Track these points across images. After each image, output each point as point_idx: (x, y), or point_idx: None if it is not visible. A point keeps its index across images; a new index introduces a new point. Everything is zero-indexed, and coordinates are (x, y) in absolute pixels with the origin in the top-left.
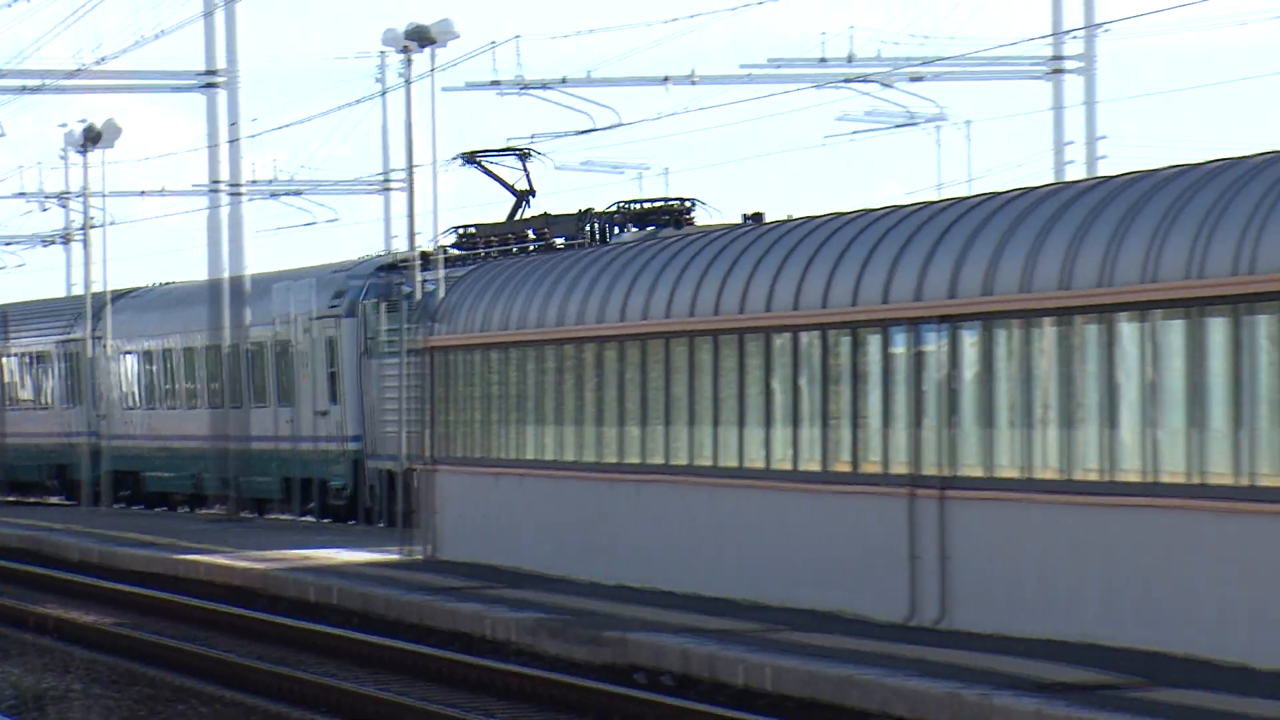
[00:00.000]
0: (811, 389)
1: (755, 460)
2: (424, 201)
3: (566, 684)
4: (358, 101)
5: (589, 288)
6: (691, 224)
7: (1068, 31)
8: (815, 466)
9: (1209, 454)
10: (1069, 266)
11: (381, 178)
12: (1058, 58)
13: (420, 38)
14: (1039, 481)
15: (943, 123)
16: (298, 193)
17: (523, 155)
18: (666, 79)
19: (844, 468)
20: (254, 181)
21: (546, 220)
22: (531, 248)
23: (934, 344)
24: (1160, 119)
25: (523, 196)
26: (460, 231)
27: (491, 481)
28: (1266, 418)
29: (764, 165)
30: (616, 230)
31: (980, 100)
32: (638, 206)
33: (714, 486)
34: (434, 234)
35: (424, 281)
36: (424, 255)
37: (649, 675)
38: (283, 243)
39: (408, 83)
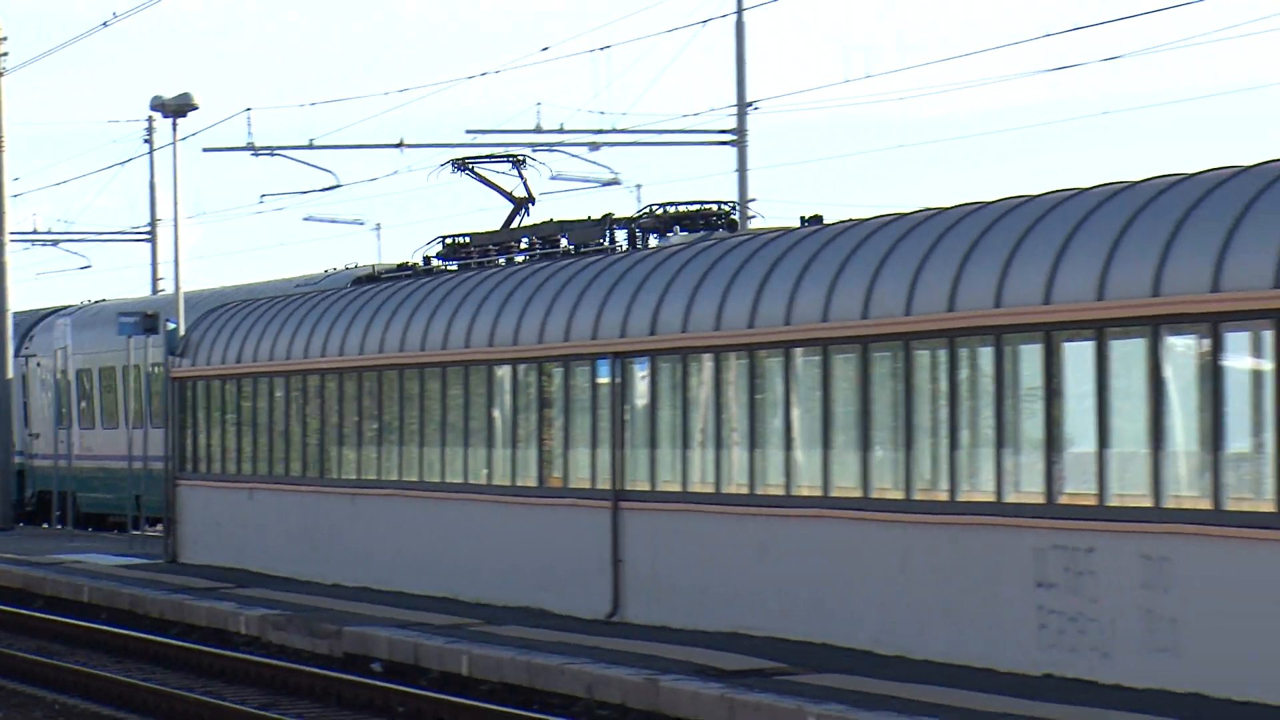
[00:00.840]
0: (523, 414)
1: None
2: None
3: (287, 669)
4: (124, 162)
5: (313, 326)
6: (734, 227)
7: (726, 106)
8: (506, 482)
9: (833, 472)
10: (720, 310)
11: (147, 226)
12: (739, 129)
13: (165, 108)
14: (708, 495)
15: (617, 185)
16: (54, 242)
17: (518, 161)
18: (401, 143)
19: (530, 483)
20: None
21: (560, 227)
22: (521, 257)
23: (608, 375)
24: (810, 183)
25: (521, 204)
26: (448, 241)
27: (223, 494)
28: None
29: (466, 221)
30: (643, 236)
31: (659, 164)
32: (671, 210)
33: (431, 500)
34: (175, 278)
35: (166, 320)
36: (406, 265)
37: (361, 662)
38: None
39: (151, 150)
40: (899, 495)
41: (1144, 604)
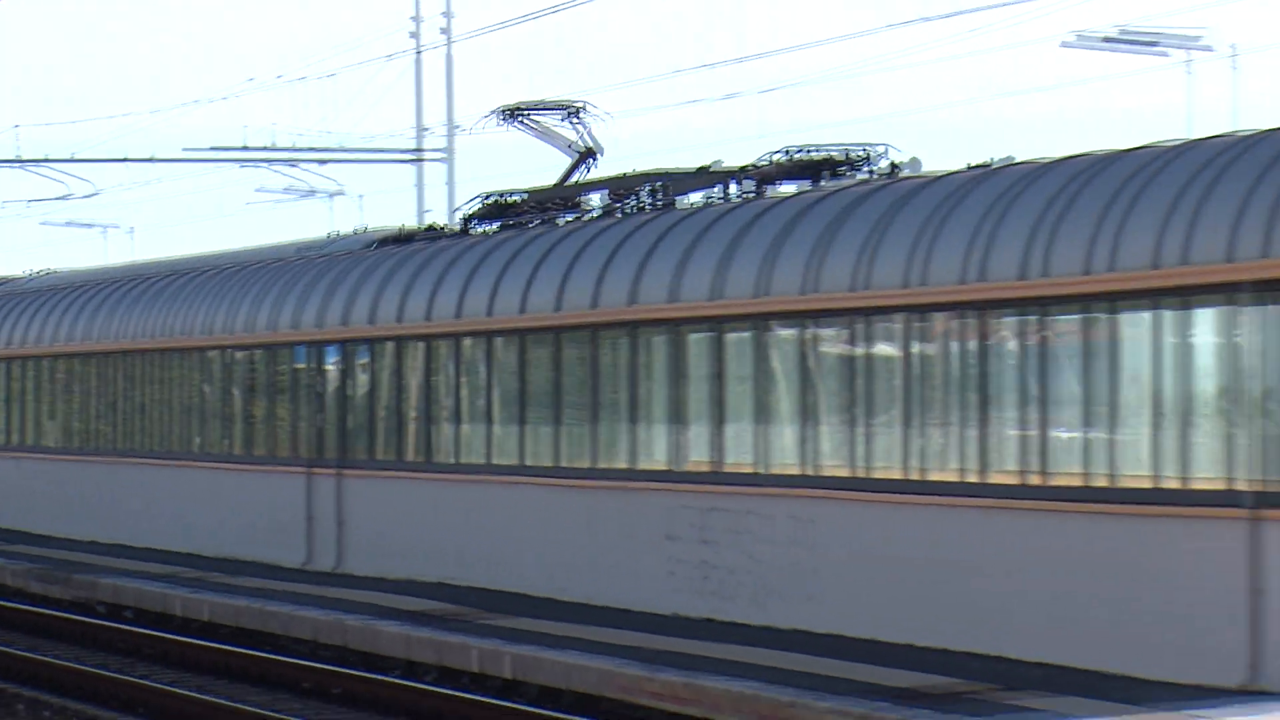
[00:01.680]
0: (258, 396)
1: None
2: None
3: (44, 615)
4: None
5: (78, 311)
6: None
7: (428, 129)
8: (243, 452)
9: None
10: (433, 301)
11: None
12: (419, 149)
13: None
14: (420, 464)
15: (340, 195)
16: None
17: (574, 111)
18: (152, 158)
19: (263, 453)
20: None
21: (644, 179)
22: (591, 214)
23: (335, 362)
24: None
25: (584, 156)
26: (491, 200)
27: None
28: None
29: (205, 226)
30: (757, 188)
31: (372, 179)
32: (801, 156)
33: (180, 469)
34: None
35: None
36: (432, 228)
37: (112, 609)
38: None
39: None
40: (586, 464)
41: (792, 558)
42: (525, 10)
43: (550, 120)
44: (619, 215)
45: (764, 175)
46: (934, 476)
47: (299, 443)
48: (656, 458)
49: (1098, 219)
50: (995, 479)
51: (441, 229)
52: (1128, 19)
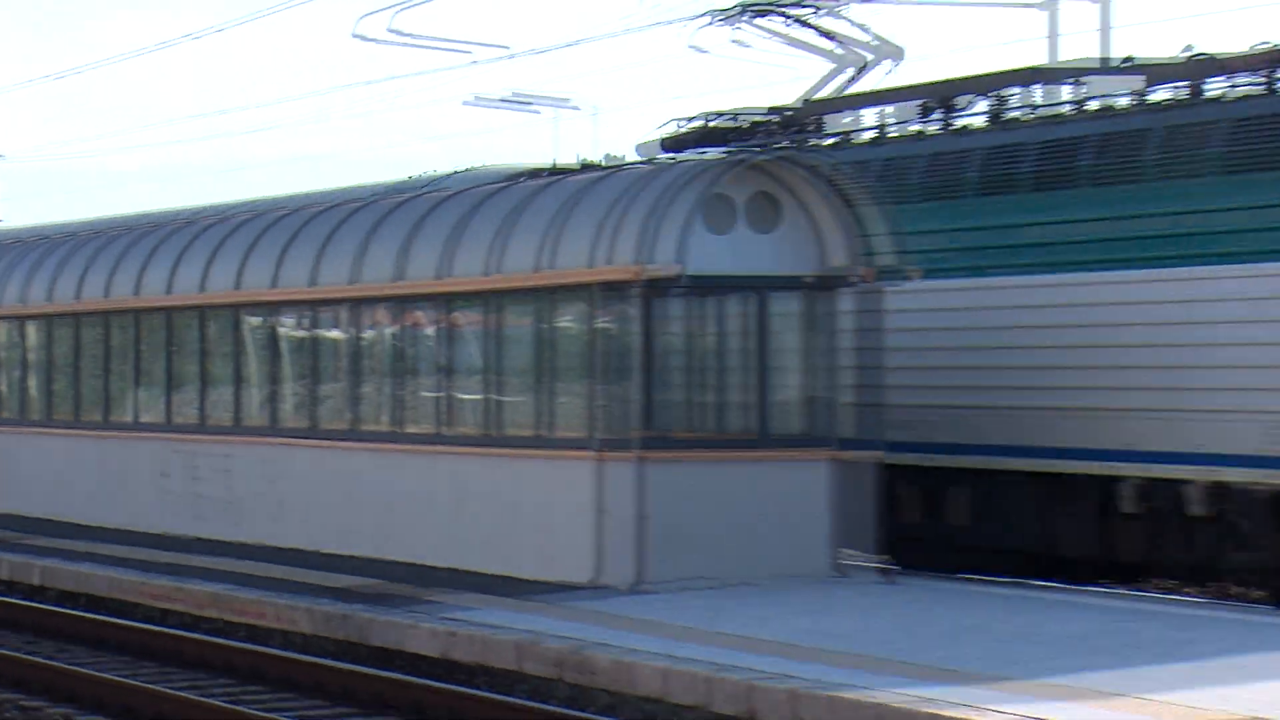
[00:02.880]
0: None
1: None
2: None
3: None
4: None
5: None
6: None
7: None
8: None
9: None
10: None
11: None
12: None
13: None
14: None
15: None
16: None
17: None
18: None
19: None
20: None
21: (993, 81)
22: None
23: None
24: None
25: (883, 57)
26: (712, 124)
27: None
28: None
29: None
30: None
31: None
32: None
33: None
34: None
35: None
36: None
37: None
38: None
39: None
40: (99, 419)
41: (262, 490)
42: None
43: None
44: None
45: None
46: (368, 428)
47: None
48: (156, 414)
49: (493, 235)
50: (411, 430)
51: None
52: (517, 84)
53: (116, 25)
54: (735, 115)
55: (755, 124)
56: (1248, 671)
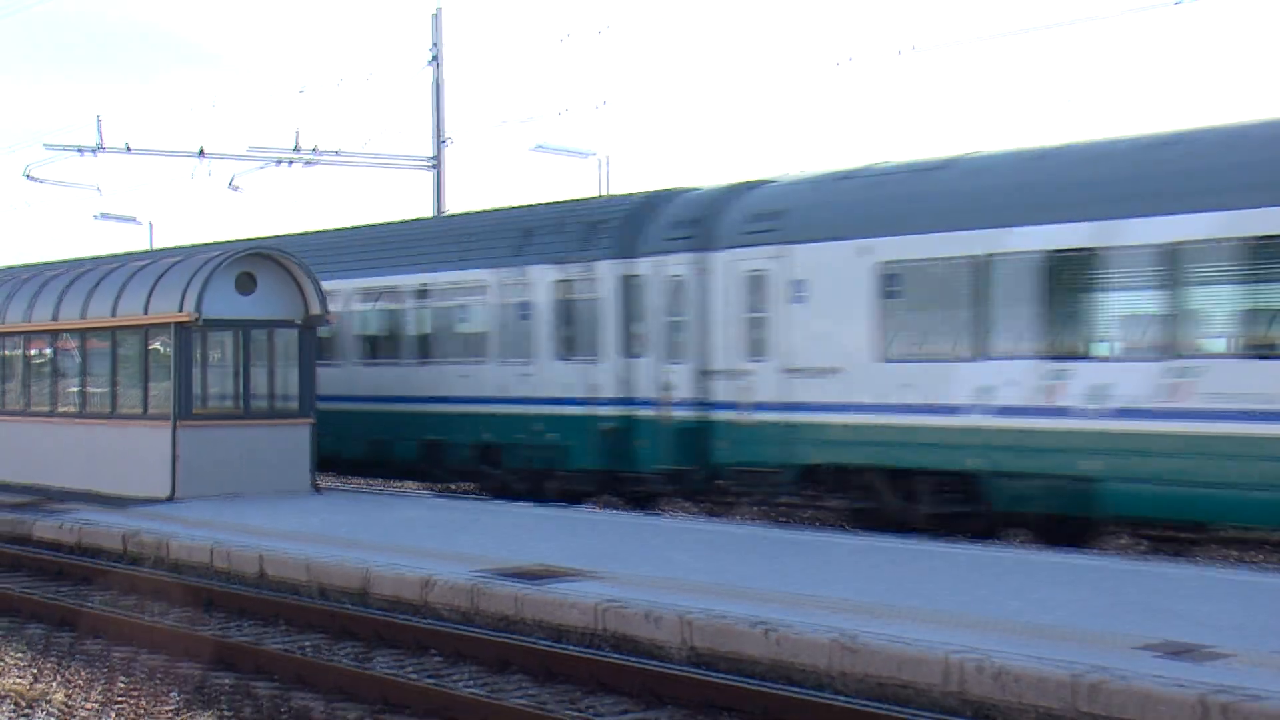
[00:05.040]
0: None
1: None
2: None
3: None
4: None
5: None
6: None
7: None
8: None
9: None
10: None
11: None
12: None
13: None
14: None
15: None
16: None
17: None
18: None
19: None
20: None
21: None
22: None
23: None
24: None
25: None
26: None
27: None
28: None
29: None
30: None
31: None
32: None
33: None
34: None
35: None
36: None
37: None
38: None
39: None
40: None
41: None
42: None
43: None
44: None
45: None
46: (37, 408)
47: None
48: None
49: (116, 292)
50: (62, 409)
51: None
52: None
53: None
54: None
55: None
56: None
